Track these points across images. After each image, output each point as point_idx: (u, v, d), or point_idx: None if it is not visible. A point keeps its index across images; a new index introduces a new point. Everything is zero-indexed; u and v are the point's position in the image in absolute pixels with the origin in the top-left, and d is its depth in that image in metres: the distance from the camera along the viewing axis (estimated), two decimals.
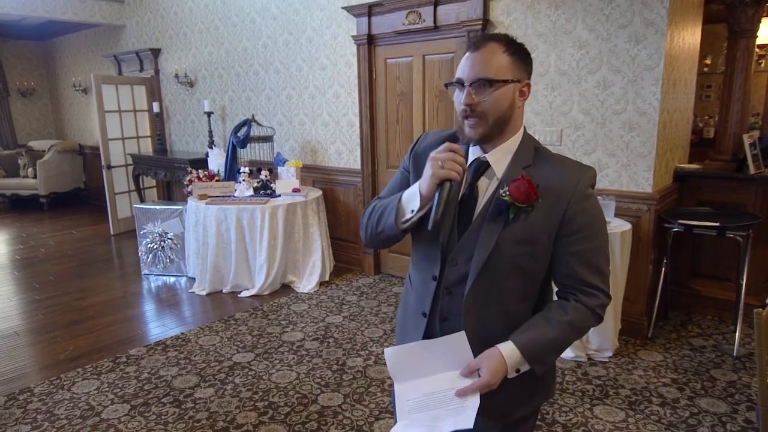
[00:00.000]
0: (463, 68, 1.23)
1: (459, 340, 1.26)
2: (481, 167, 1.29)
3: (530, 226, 1.23)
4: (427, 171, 1.21)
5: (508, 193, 1.21)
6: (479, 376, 1.23)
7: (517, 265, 1.26)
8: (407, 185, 1.34)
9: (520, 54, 1.25)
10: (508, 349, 1.23)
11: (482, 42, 1.23)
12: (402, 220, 1.28)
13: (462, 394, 1.23)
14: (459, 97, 1.24)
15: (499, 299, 1.28)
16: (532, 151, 1.30)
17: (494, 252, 1.23)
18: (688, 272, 4.00)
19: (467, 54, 1.24)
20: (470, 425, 1.20)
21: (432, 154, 1.21)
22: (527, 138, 1.32)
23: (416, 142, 1.45)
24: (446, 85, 1.29)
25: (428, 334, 1.36)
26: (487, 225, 1.25)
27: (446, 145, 1.20)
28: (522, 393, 1.35)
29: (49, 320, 4.14)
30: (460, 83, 1.23)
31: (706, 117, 6.13)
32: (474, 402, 1.22)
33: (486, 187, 1.28)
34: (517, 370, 1.24)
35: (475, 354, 1.25)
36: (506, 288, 1.28)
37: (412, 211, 1.25)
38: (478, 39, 1.25)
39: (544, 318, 1.27)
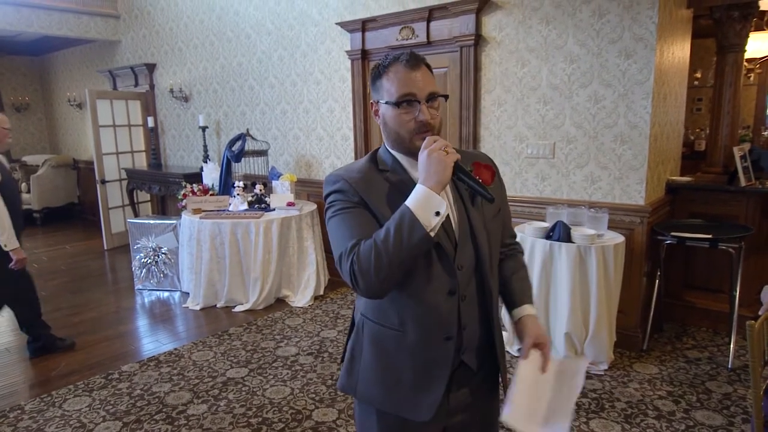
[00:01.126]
0: (412, 85, 1.27)
1: (530, 360, 1.38)
2: None
3: (495, 200, 1.35)
4: (434, 165, 1.20)
5: (479, 179, 1.29)
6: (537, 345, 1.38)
7: (497, 238, 1.44)
8: (372, 218, 1.28)
9: (433, 74, 1.36)
10: (530, 309, 1.45)
11: (417, 61, 1.30)
12: (431, 228, 1.18)
13: (547, 366, 1.37)
14: (407, 115, 1.28)
15: (496, 276, 1.43)
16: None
17: (488, 236, 1.37)
18: (681, 284, 4.02)
19: (405, 72, 1.28)
20: (586, 362, 1.48)
21: (426, 149, 1.22)
22: None
23: (341, 183, 1.32)
24: (397, 104, 1.28)
25: (457, 352, 1.34)
26: (473, 217, 1.35)
27: (429, 138, 1.25)
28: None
29: None
30: (413, 100, 1.27)
31: (697, 130, 6.18)
32: (557, 359, 1.41)
33: (444, 189, 1.34)
34: None
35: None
36: (496, 264, 1.44)
37: (437, 213, 1.18)
38: (411, 58, 1.29)
39: (521, 277, 1.51)
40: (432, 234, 1.19)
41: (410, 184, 1.25)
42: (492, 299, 1.38)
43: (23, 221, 3.65)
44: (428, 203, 1.18)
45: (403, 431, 1.39)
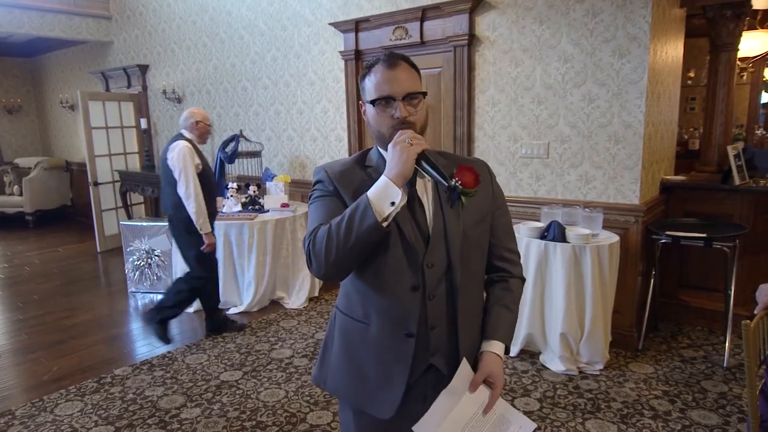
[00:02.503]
0: (388, 85, 1.29)
1: (464, 367, 1.33)
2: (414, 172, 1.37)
3: (479, 205, 1.38)
4: (397, 156, 1.23)
5: (459, 182, 1.29)
6: (488, 383, 1.35)
7: (479, 246, 1.40)
8: (343, 207, 1.30)
9: (418, 71, 1.36)
10: (497, 347, 1.38)
11: (395, 60, 1.31)
12: (383, 217, 1.20)
13: (490, 409, 1.33)
14: (385, 114, 1.30)
15: (475, 283, 1.41)
16: (436, 152, 1.40)
17: (464, 239, 1.34)
18: (676, 283, 4.02)
19: (383, 71, 1.30)
20: (533, 426, 1.36)
21: (394, 141, 1.25)
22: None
23: (322, 173, 1.38)
24: (373, 102, 1.31)
25: (418, 352, 1.34)
26: (449, 218, 1.33)
27: (400, 131, 1.27)
28: None
29: (33, 340, 4.06)
30: (389, 99, 1.29)
31: (691, 129, 6.19)
32: (505, 407, 1.35)
33: (424, 188, 1.36)
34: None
35: (468, 350, 1.37)
36: (476, 271, 1.41)
37: (393, 203, 1.20)
38: (389, 58, 1.32)
39: (502, 306, 1.43)
40: (384, 224, 1.21)
41: None
42: (457, 302, 1.35)
43: (215, 209, 3.99)
44: (385, 193, 1.21)
45: (378, 430, 1.40)
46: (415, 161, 1.24)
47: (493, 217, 1.43)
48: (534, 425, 1.37)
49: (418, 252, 1.31)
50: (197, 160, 3.72)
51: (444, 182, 1.25)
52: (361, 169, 1.37)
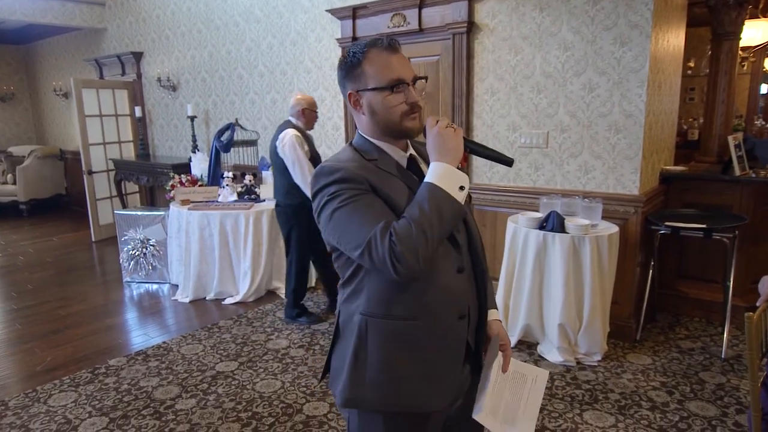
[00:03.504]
0: (398, 69, 1.28)
1: (494, 342, 1.42)
2: (414, 161, 1.39)
3: None
4: (447, 142, 1.24)
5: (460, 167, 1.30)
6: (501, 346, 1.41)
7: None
8: (385, 204, 1.24)
9: None
10: (496, 314, 1.48)
11: (396, 45, 1.31)
12: (458, 200, 1.22)
13: (507, 367, 1.41)
14: (397, 99, 1.27)
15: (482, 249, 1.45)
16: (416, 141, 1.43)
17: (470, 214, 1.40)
18: (674, 274, 4.00)
19: (389, 56, 1.28)
20: (546, 373, 1.49)
21: (435, 128, 1.26)
22: None
23: (343, 171, 1.24)
24: (390, 88, 1.27)
25: (470, 329, 1.37)
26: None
27: (431, 117, 1.29)
28: None
29: (27, 330, 4.02)
30: (403, 83, 1.27)
31: (690, 119, 6.16)
32: (517, 363, 1.46)
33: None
34: None
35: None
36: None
37: (461, 188, 1.22)
38: (392, 42, 1.30)
39: (488, 280, 1.48)
40: (462, 203, 1.23)
41: (401, 169, 1.32)
42: (485, 276, 1.41)
43: None
44: (451, 178, 1.22)
45: (412, 426, 1.35)
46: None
47: None
48: (547, 372, 1.48)
49: (453, 233, 1.31)
50: (306, 147, 3.76)
51: (506, 159, 1.33)
52: (368, 163, 1.30)
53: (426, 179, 1.22)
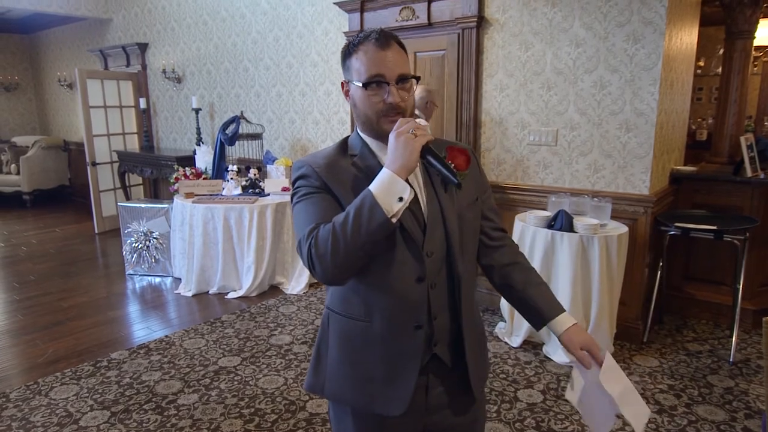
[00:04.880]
0: (380, 66, 1.21)
1: (608, 361, 1.35)
2: None
3: (469, 188, 1.33)
4: (401, 148, 1.14)
5: (452, 165, 1.21)
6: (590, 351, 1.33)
7: (473, 229, 1.36)
8: (336, 203, 1.24)
9: (407, 52, 1.29)
10: (571, 318, 1.39)
11: (387, 40, 1.23)
12: (393, 213, 1.13)
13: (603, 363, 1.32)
14: (376, 97, 1.23)
15: (471, 268, 1.36)
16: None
17: (460, 223, 1.30)
18: (682, 276, 3.95)
19: (375, 51, 1.22)
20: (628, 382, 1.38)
21: (394, 132, 1.17)
22: None
23: (306, 168, 1.28)
24: (364, 85, 1.22)
25: (428, 343, 1.29)
26: (444, 203, 1.29)
27: (401, 120, 1.19)
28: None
29: (29, 322, 4.00)
30: (382, 82, 1.22)
31: (699, 119, 6.09)
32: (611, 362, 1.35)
33: (414, 174, 1.29)
34: None
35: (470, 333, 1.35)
36: (472, 255, 1.37)
37: (400, 199, 1.12)
38: (381, 36, 1.23)
39: (541, 283, 1.43)
40: (394, 220, 1.14)
41: (378, 169, 1.19)
42: (461, 288, 1.31)
43: None
44: (391, 188, 1.13)
45: (381, 430, 1.34)
46: (420, 154, 1.16)
47: (482, 201, 1.41)
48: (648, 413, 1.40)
49: (418, 241, 1.25)
50: None
51: (453, 179, 1.17)
52: (345, 160, 1.29)
53: (369, 186, 1.15)
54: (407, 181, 1.16)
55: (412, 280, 1.25)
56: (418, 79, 1.28)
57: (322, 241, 1.15)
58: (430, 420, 1.36)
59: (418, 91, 3.81)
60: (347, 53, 1.28)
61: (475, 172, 1.37)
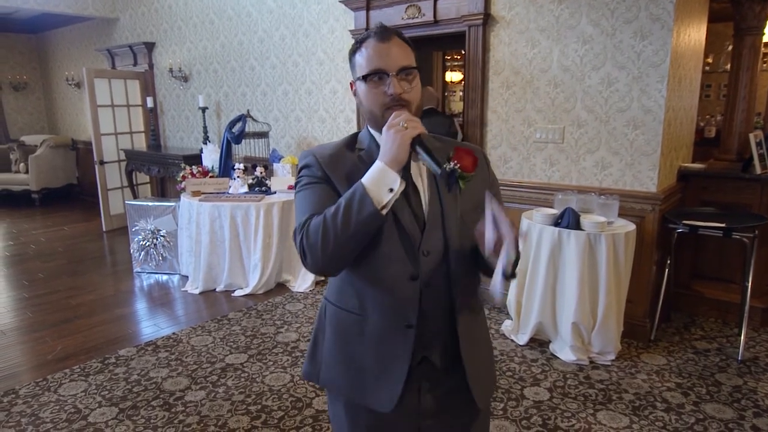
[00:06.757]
0: (380, 59, 1.22)
1: None
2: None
3: (476, 191, 1.29)
4: (391, 140, 1.16)
5: (457, 165, 1.22)
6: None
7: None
8: (335, 194, 1.24)
9: (412, 47, 1.28)
10: None
11: (387, 34, 1.24)
12: (382, 204, 1.15)
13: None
14: (377, 90, 1.23)
15: (471, 271, 1.33)
16: (431, 136, 1.32)
17: (461, 225, 1.27)
18: (690, 273, 3.93)
19: (374, 45, 1.23)
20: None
21: (388, 124, 1.19)
22: None
23: (310, 158, 1.30)
24: (364, 77, 1.23)
25: (419, 344, 1.28)
26: (446, 203, 1.27)
27: (395, 113, 1.20)
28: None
29: (38, 319, 4.03)
30: (382, 74, 1.22)
31: (706, 116, 6.05)
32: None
33: (419, 172, 1.29)
34: None
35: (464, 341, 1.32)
36: (470, 257, 1.31)
37: (391, 190, 1.15)
38: (381, 31, 1.24)
39: None
40: (384, 211, 1.15)
41: None
42: (457, 291, 1.29)
43: None
44: (382, 179, 1.15)
45: (372, 423, 1.34)
46: (410, 145, 1.17)
47: None
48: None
49: (415, 239, 1.24)
50: None
51: (437, 168, 1.17)
52: (351, 153, 1.30)
53: (362, 178, 1.17)
54: (409, 177, 1.17)
55: (405, 277, 1.25)
56: (419, 70, 1.27)
57: (313, 231, 1.17)
58: (424, 423, 1.35)
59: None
60: (352, 52, 1.29)
61: (483, 174, 1.35)
